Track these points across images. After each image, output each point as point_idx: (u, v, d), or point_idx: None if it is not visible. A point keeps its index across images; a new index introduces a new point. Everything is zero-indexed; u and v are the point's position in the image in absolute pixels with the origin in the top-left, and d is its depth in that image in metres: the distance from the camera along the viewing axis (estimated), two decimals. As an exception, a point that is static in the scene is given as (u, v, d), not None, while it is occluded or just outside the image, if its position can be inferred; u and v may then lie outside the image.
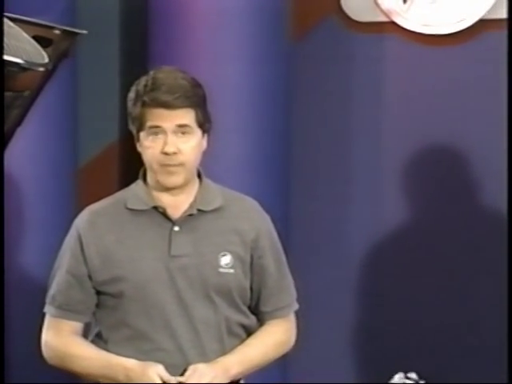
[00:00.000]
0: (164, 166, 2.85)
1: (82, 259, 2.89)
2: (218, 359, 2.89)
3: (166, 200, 2.90)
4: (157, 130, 2.84)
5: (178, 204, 2.91)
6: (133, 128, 2.90)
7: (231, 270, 2.91)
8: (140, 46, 4.12)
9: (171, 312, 2.87)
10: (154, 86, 2.85)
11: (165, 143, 2.83)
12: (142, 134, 2.87)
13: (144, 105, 2.84)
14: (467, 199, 4.20)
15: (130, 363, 2.85)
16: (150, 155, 2.86)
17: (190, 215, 2.90)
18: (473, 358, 4.03)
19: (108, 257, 2.88)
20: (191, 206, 2.91)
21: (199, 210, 2.91)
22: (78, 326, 2.92)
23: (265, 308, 2.99)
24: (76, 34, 4.22)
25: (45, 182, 4.13)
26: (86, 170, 4.40)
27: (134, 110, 2.88)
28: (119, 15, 4.37)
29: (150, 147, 2.86)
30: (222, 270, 2.90)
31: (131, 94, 2.90)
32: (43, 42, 3.71)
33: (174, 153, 2.83)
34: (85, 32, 4.22)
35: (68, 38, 4.15)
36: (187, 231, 2.90)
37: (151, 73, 2.90)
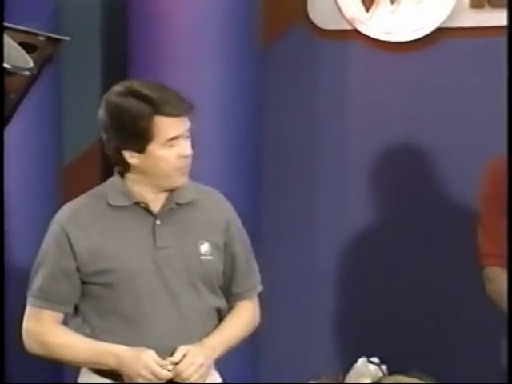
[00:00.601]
0: (180, 169, 2.86)
1: (70, 253, 2.86)
2: (204, 340, 2.89)
3: (147, 196, 2.90)
4: (174, 141, 2.83)
5: (156, 199, 2.90)
6: (136, 141, 2.83)
7: (210, 257, 2.93)
8: (120, 50, 4.12)
9: (159, 299, 2.87)
10: (163, 101, 2.82)
11: (183, 148, 2.83)
12: (154, 146, 2.83)
13: (159, 117, 2.81)
14: (426, 196, 4.21)
15: (121, 349, 2.82)
16: (167, 163, 2.84)
17: (170, 209, 2.91)
18: (436, 345, 4.03)
19: (96, 250, 2.86)
20: (169, 200, 2.91)
21: (177, 204, 2.92)
22: (60, 316, 2.90)
23: (236, 290, 3.00)
24: (59, 40, 4.22)
25: (31, 180, 4.12)
26: (70, 168, 4.39)
27: (143, 124, 2.81)
28: (100, 21, 4.36)
29: (167, 157, 2.83)
30: (202, 257, 2.91)
31: (136, 111, 2.82)
32: (29, 47, 3.71)
33: (189, 156, 2.86)
34: (68, 38, 4.23)
35: (52, 44, 4.15)
36: (168, 224, 2.90)
37: (144, 89, 2.84)
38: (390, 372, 3.16)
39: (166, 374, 2.82)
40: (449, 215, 4.02)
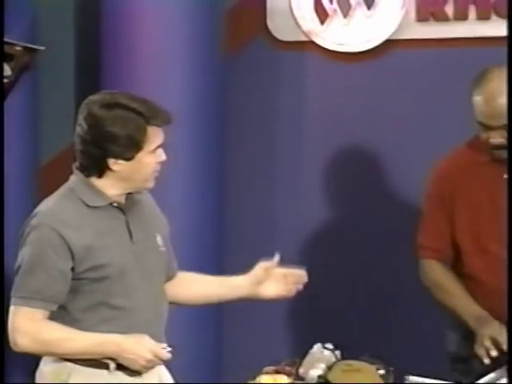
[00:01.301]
0: (155, 172, 2.89)
1: (68, 254, 2.82)
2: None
3: (116, 196, 2.91)
4: (159, 147, 2.87)
5: (122, 199, 2.93)
6: (128, 150, 2.83)
7: (163, 249, 2.97)
8: (92, 59, 4.12)
9: (143, 289, 2.89)
10: (152, 111, 2.83)
11: (162, 154, 2.86)
12: (143, 154, 2.84)
13: (150, 128, 2.82)
14: (375, 196, 4.24)
15: (120, 338, 2.83)
16: (149, 167, 2.86)
17: (132, 207, 2.93)
18: (385, 332, 4.09)
19: (89, 247, 2.84)
20: (128, 200, 2.93)
21: (134, 201, 2.94)
22: (48, 313, 2.86)
23: (171, 273, 3.05)
24: (35, 49, 4.23)
25: (9, 180, 4.11)
26: (46, 169, 4.38)
27: (136, 134, 2.81)
28: (74, 32, 4.35)
29: (151, 163, 2.86)
30: (160, 249, 2.95)
31: (131, 123, 2.81)
32: (6, 57, 3.71)
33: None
34: (43, 48, 4.23)
35: (28, 53, 4.16)
36: (134, 220, 2.93)
37: (130, 102, 2.84)
38: (343, 357, 3.17)
39: (167, 355, 2.85)
40: (397, 212, 4.06)
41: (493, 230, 3.32)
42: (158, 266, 2.94)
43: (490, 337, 3.21)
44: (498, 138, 3.23)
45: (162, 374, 2.98)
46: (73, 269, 2.84)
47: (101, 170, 2.85)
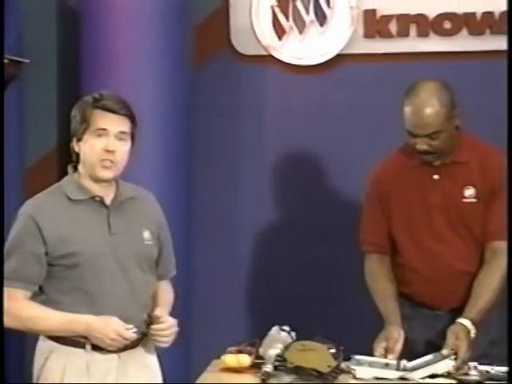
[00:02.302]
0: (102, 160, 2.86)
1: (40, 240, 2.85)
2: (157, 309, 2.94)
3: (98, 191, 2.92)
4: (103, 132, 2.86)
5: (107, 194, 2.93)
6: (79, 129, 2.88)
7: (151, 242, 2.97)
8: (72, 70, 4.10)
9: (115, 277, 2.89)
10: (104, 98, 2.88)
11: (108, 142, 2.85)
12: (88, 135, 2.86)
13: (92, 108, 2.86)
14: (324, 195, 4.28)
15: (90, 318, 2.83)
16: (93, 150, 2.86)
17: (119, 202, 2.93)
18: (335, 316, 4.13)
19: (62, 236, 2.85)
20: (116, 195, 2.93)
21: (125, 198, 2.95)
22: (29, 294, 2.88)
23: (160, 271, 3.06)
24: (21, 62, 4.22)
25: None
26: (31, 170, 4.36)
27: (82, 112, 2.87)
28: (56, 46, 4.34)
29: (94, 145, 2.86)
30: (146, 242, 2.95)
31: (81, 104, 2.90)
32: (-6, 68, 3.67)
33: (113, 151, 2.86)
34: (27, 61, 4.22)
35: (14, 65, 4.14)
36: (118, 215, 2.93)
37: (97, 92, 2.93)
38: (298, 338, 3.18)
39: (131, 336, 2.85)
40: (343, 209, 4.09)
41: (425, 225, 3.33)
42: (138, 257, 2.93)
43: (385, 339, 3.22)
44: (424, 145, 3.23)
45: (149, 360, 2.98)
46: (47, 254, 2.85)
47: (73, 154, 2.90)
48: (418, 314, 3.39)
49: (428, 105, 3.19)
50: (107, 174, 2.89)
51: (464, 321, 3.18)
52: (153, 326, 2.88)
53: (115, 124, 2.86)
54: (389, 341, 3.22)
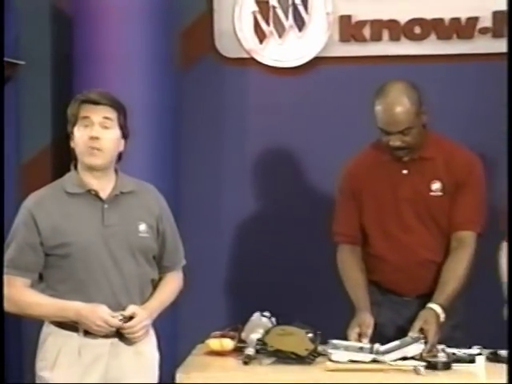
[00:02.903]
0: (89, 148, 2.87)
1: (35, 231, 2.86)
2: (146, 304, 2.93)
3: (95, 185, 2.92)
4: (87, 121, 2.87)
5: (103, 188, 2.92)
6: (70, 125, 2.91)
7: (146, 235, 2.94)
8: (66, 72, 4.08)
9: (107, 267, 2.88)
10: (88, 92, 2.92)
11: (92, 130, 2.86)
12: (76, 128, 2.89)
13: (79, 103, 2.89)
14: (301, 189, 4.28)
15: (80, 305, 2.84)
16: (81, 140, 2.88)
17: (115, 196, 2.92)
18: (312, 303, 4.14)
19: (56, 228, 2.86)
20: (114, 189, 2.93)
21: (121, 192, 2.93)
22: (28, 281, 2.89)
23: (166, 263, 3.04)
24: (17, 64, 4.20)
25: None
26: (27, 166, 4.34)
27: (72, 109, 2.91)
28: (50, 50, 4.32)
29: (81, 135, 2.88)
30: (140, 234, 2.93)
31: (71, 103, 2.93)
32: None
33: (97, 138, 2.86)
34: (23, 63, 4.21)
35: (11, 66, 4.13)
36: (114, 207, 2.91)
37: (87, 91, 2.97)
38: (278, 323, 3.19)
39: (116, 323, 2.85)
40: (318, 202, 4.07)
41: (394, 217, 3.34)
42: (132, 249, 2.91)
43: (358, 324, 3.25)
44: (397, 142, 3.25)
45: (143, 347, 2.96)
46: (42, 244, 2.86)
47: (71, 150, 2.92)
48: (387, 300, 3.41)
49: (398, 103, 3.21)
50: (95, 161, 2.89)
51: (433, 306, 3.20)
52: (124, 324, 2.86)
53: (98, 113, 2.88)
54: (361, 326, 3.25)
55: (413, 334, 3.12)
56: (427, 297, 3.27)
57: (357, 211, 3.40)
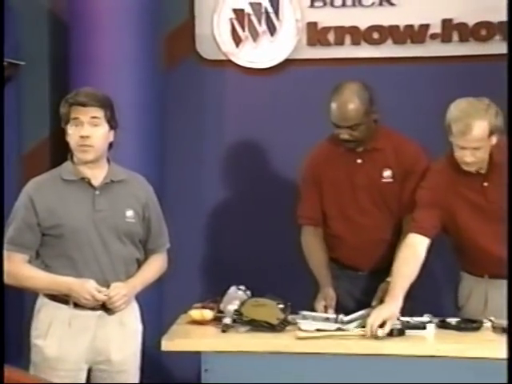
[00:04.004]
0: (80, 145, 2.86)
1: (33, 213, 2.86)
2: (129, 280, 2.93)
3: (88, 173, 2.90)
4: (77, 121, 2.85)
5: (96, 177, 2.91)
6: (63, 123, 2.90)
7: (133, 220, 2.95)
8: (62, 72, 4.04)
9: (96, 248, 2.88)
10: (76, 94, 2.90)
11: (82, 129, 2.85)
12: (68, 126, 2.88)
13: (69, 105, 2.87)
14: (271, 178, 4.24)
15: (71, 280, 2.84)
16: (73, 138, 2.87)
17: (106, 184, 2.91)
18: (283, 278, 4.10)
19: (52, 210, 2.86)
20: (105, 178, 2.92)
21: (112, 181, 2.92)
22: (26, 257, 2.89)
23: (150, 246, 3.04)
24: (18, 64, 4.16)
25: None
26: (27, 156, 4.28)
27: (63, 110, 2.90)
28: (48, 51, 4.26)
29: (72, 134, 2.87)
30: (127, 220, 2.93)
31: (62, 103, 2.92)
32: (-5, 70, 3.61)
33: (87, 136, 2.84)
34: (23, 63, 4.16)
35: (12, 66, 4.09)
36: (104, 194, 2.91)
37: (76, 90, 2.96)
38: (252, 295, 3.19)
39: (102, 298, 2.85)
40: (287, 189, 4.01)
41: (351, 202, 3.36)
42: (118, 232, 2.90)
43: (323, 298, 3.29)
44: (345, 135, 3.28)
45: (126, 319, 2.96)
46: (39, 225, 2.85)
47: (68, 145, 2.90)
48: (344, 275, 3.44)
49: (350, 102, 3.24)
50: (86, 156, 2.88)
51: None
52: (106, 295, 2.86)
53: (86, 113, 2.86)
54: (326, 299, 3.28)
55: (375, 303, 3.13)
56: (379, 271, 3.30)
57: (318, 196, 3.42)
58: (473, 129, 2.99)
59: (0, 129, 3.64)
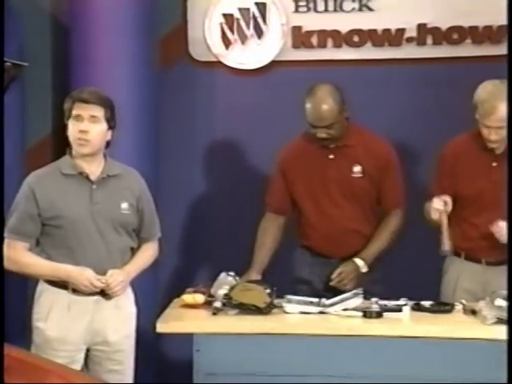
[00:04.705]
0: (78, 139, 2.85)
1: (34, 203, 2.85)
2: (124, 267, 2.92)
3: (86, 168, 2.89)
4: (78, 117, 2.85)
5: (93, 171, 2.90)
6: (65, 118, 2.89)
7: (128, 212, 2.94)
8: (64, 72, 4.02)
9: (93, 238, 2.87)
10: (81, 91, 2.90)
11: (81, 125, 2.84)
12: (70, 121, 2.87)
13: (73, 101, 2.87)
14: (252, 169, 4.20)
15: (70, 268, 2.83)
16: (72, 132, 2.86)
17: (102, 178, 2.90)
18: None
19: (52, 202, 2.84)
20: (102, 172, 2.91)
21: (108, 175, 2.91)
22: (27, 245, 2.87)
23: (144, 235, 3.03)
24: (21, 65, 4.11)
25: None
26: (30, 152, 4.25)
27: (67, 105, 2.89)
28: (51, 52, 4.24)
29: (73, 128, 2.86)
30: (122, 211, 2.92)
31: (67, 99, 2.91)
32: (-1, 70, 3.57)
33: (86, 131, 2.84)
34: (27, 64, 4.12)
35: (16, 67, 4.04)
36: (101, 188, 2.90)
37: (81, 88, 2.96)
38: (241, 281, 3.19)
39: (100, 285, 2.84)
40: (261, 179, 3.95)
41: (324, 194, 3.37)
42: (114, 223, 2.90)
43: (246, 281, 3.23)
44: (323, 134, 3.28)
45: (121, 303, 2.95)
46: (39, 215, 2.84)
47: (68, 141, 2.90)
48: (316, 262, 3.45)
49: (324, 103, 3.24)
50: (83, 150, 2.87)
51: (354, 259, 3.32)
52: (104, 282, 2.86)
53: (87, 110, 2.85)
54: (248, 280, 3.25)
55: (333, 276, 3.25)
56: (349, 259, 3.36)
57: (285, 187, 3.42)
58: (498, 110, 3.02)
59: (0, 127, 3.62)
